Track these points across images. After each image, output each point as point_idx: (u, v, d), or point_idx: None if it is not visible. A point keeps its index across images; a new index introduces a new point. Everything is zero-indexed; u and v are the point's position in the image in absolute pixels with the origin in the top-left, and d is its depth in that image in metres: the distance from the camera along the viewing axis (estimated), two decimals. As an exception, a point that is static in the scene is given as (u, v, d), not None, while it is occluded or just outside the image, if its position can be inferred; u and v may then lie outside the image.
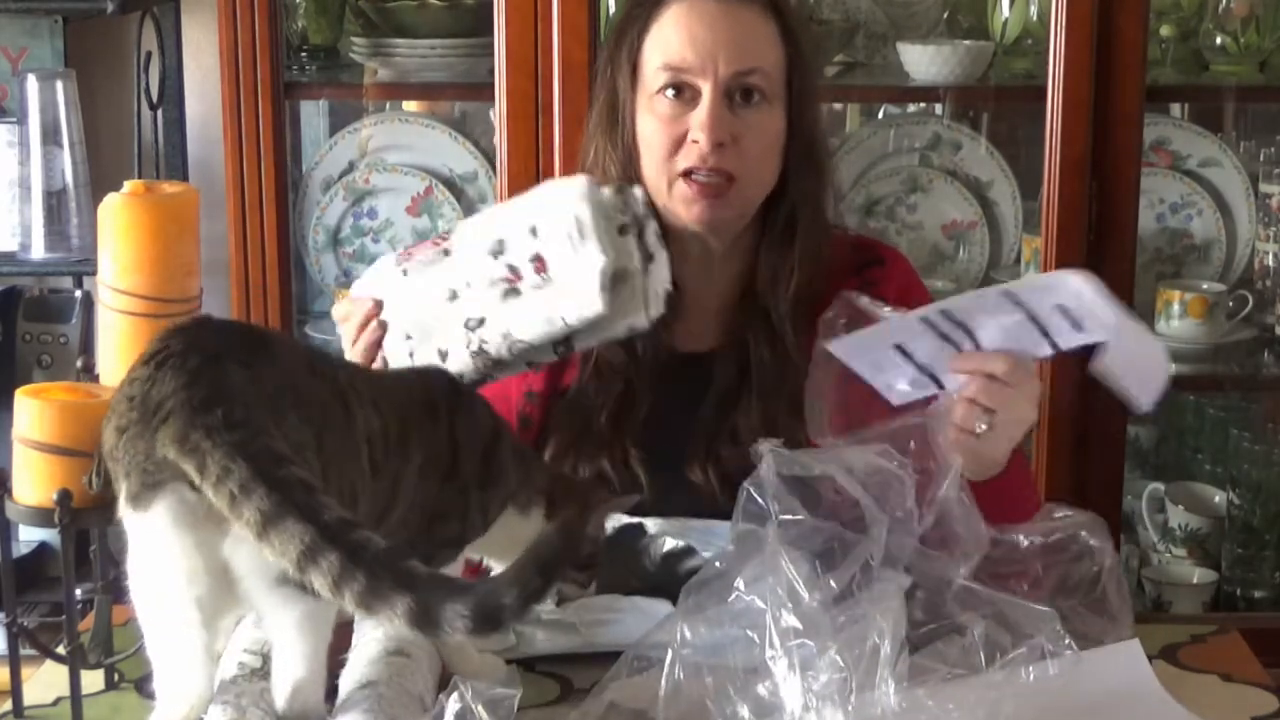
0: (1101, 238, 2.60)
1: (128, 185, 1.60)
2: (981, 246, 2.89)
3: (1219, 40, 2.78)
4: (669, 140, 1.80)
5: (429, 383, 1.58)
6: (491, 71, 2.61)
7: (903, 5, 2.89)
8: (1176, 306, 2.77)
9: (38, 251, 2.81)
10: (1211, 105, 2.95)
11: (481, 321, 1.68)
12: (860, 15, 2.86)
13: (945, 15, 2.92)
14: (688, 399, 1.83)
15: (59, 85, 2.78)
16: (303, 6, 2.84)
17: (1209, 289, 2.80)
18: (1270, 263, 2.86)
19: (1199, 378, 2.85)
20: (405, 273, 1.73)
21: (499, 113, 2.60)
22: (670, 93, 1.80)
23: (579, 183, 1.69)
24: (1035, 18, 2.76)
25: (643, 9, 1.84)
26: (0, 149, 2.84)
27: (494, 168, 2.73)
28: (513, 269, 1.67)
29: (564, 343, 1.68)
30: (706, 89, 1.79)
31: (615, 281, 1.65)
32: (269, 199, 2.67)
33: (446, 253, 1.72)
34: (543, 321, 1.66)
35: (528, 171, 2.59)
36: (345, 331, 1.77)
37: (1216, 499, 2.90)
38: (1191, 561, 2.86)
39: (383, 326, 1.73)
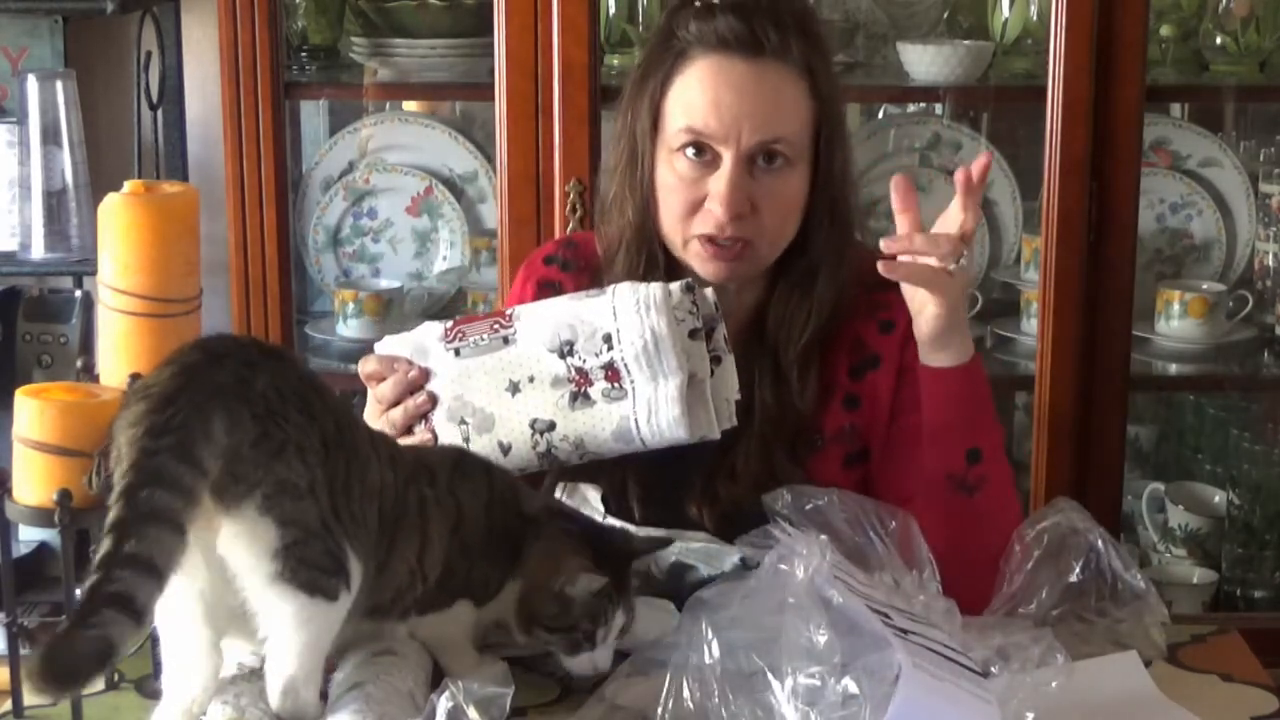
0: (1101, 238, 2.60)
1: (128, 185, 1.60)
2: (981, 246, 2.88)
3: (1219, 40, 2.78)
4: (686, 202, 1.77)
5: (435, 453, 1.59)
6: (491, 71, 2.61)
7: (903, 5, 2.89)
8: (1176, 306, 2.77)
9: (38, 251, 2.81)
10: (1211, 105, 2.95)
11: (551, 425, 1.65)
12: (860, 15, 2.87)
13: (945, 15, 2.92)
14: None
15: (59, 85, 2.78)
16: (303, 6, 2.84)
17: (1209, 289, 2.80)
18: (1270, 263, 2.86)
19: (1199, 378, 2.86)
20: (458, 353, 1.68)
21: (499, 113, 2.60)
22: (691, 152, 1.76)
23: (656, 293, 1.64)
24: (1035, 18, 2.76)
25: (667, 56, 1.78)
26: (0, 149, 2.84)
27: (494, 168, 2.73)
28: (581, 373, 1.64)
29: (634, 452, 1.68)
30: (728, 156, 1.74)
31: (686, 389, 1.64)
32: (269, 199, 2.67)
33: (506, 340, 1.66)
34: (618, 439, 1.65)
35: (528, 172, 2.60)
36: (379, 391, 1.70)
37: (1216, 499, 2.90)
38: (1191, 561, 2.86)
39: (431, 399, 1.68)
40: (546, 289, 1.90)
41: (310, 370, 1.47)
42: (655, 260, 1.82)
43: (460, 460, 1.57)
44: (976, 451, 1.74)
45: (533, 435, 1.66)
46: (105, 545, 1.26)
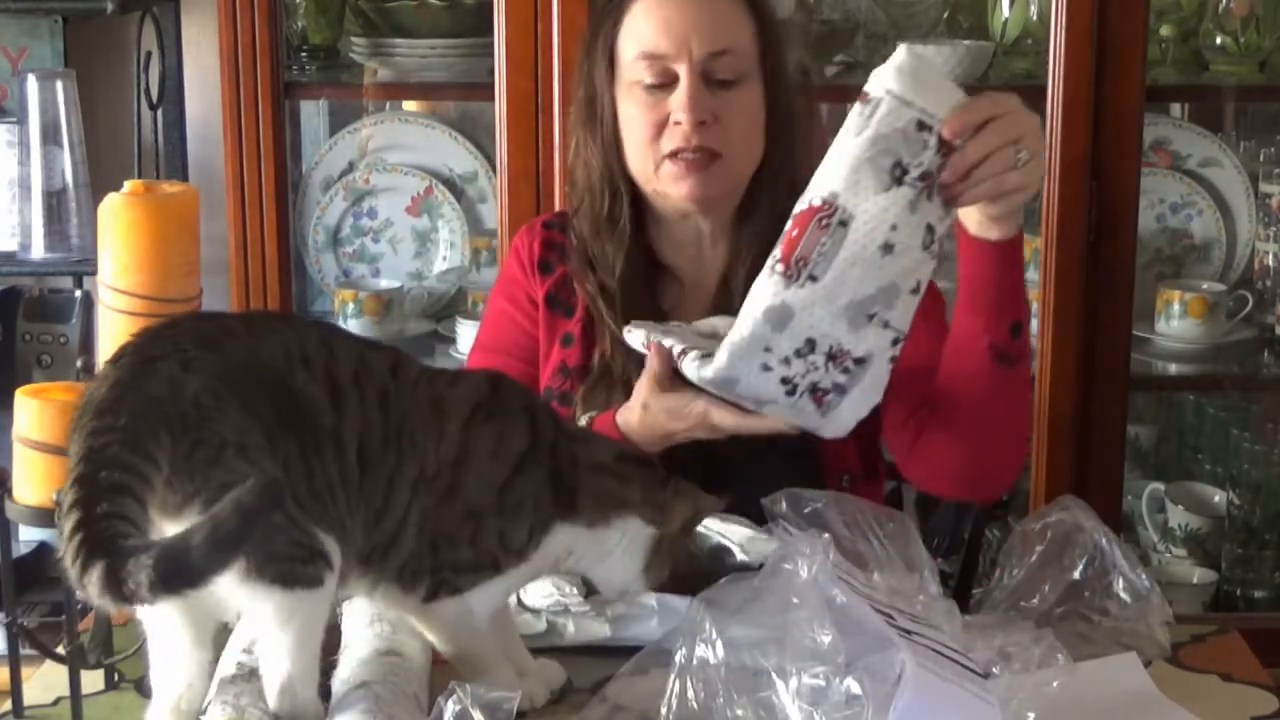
0: (1101, 238, 2.60)
1: (128, 185, 1.60)
2: (982, 246, 2.88)
3: (1219, 40, 2.78)
4: (651, 125, 1.84)
5: (459, 390, 1.48)
6: (491, 71, 2.61)
7: (903, 5, 2.89)
8: (1176, 306, 2.77)
9: (38, 251, 2.81)
10: (1211, 105, 2.95)
11: (931, 231, 1.56)
12: (860, 15, 2.86)
13: (945, 15, 2.92)
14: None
15: (59, 85, 2.79)
16: (303, 6, 2.84)
17: (1209, 289, 2.80)
18: (1270, 263, 2.86)
19: (1199, 378, 2.86)
20: (814, 278, 1.55)
21: (499, 113, 2.60)
22: (649, 80, 1.84)
23: (911, 51, 1.55)
24: (1035, 18, 2.76)
25: (612, 6, 1.89)
26: (0, 149, 2.84)
27: (494, 168, 2.73)
28: (925, 175, 1.54)
29: None
30: (683, 71, 1.83)
31: None
32: (269, 199, 2.67)
33: (844, 223, 1.54)
34: None
35: (528, 171, 2.60)
36: None
37: (1216, 499, 2.90)
38: (1191, 561, 2.87)
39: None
40: (550, 250, 1.97)
41: (271, 336, 1.39)
42: (619, 198, 1.89)
43: (488, 401, 1.47)
44: (1019, 325, 1.74)
45: (929, 249, 1.57)
46: (73, 517, 1.23)
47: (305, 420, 1.36)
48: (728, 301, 1.84)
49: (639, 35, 1.85)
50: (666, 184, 1.85)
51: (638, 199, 1.90)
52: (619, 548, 1.50)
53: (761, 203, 1.89)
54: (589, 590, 1.63)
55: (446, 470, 1.44)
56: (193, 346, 1.35)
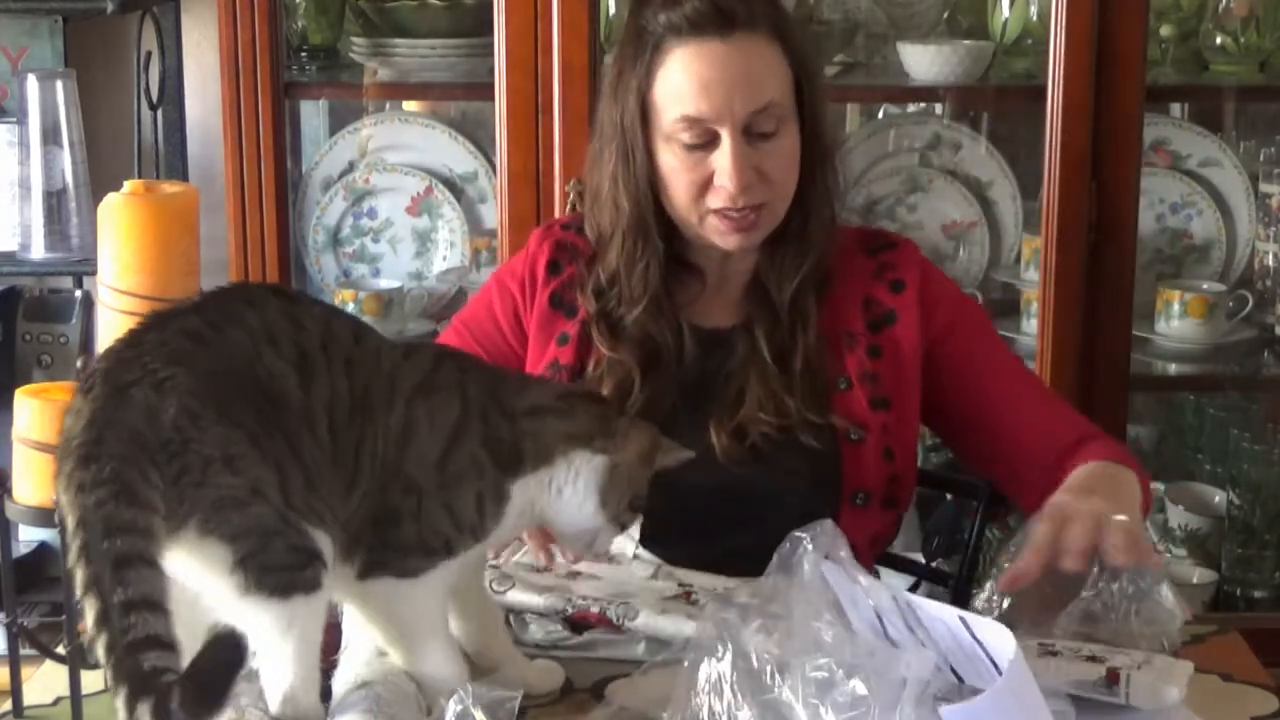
0: (1101, 238, 2.60)
1: (128, 185, 1.60)
2: (981, 246, 2.89)
3: (1219, 40, 2.78)
4: (695, 184, 1.82)
5: (408, 365, 1.46)
6: (491, 71, 2.61)
7: (903, 5, 2.89)
8: (1176, 306, 2.77)
9: (38, 251, 2.81)
10: (1211, 105, 2.95)
11: None
12: (860, 15, 2.86)
13: (945, 15, 2.92)
14: (713, 369, 1.88)
15: (59, 85, 2.79)
16: (303, 6, 2.84)
17: (1209, 289, 2.80)
18: (1270, 263, 2.86)
19: (1199, 378, 2.86)
20: None
21: (499, 113, 2.60)
22: (688, 137, 1.80)
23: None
24: (1035, 18, 2.76)
25: (643, 51, 1.82)
26: (0, 149, 2.84)
27: (494, 168, 2.73)
28: None
29: None
30: (726, 133, 1.79)
31: None
32: (269, 199, 2.67)
33: None
34: None
35: (528, 171, 2.60)
36: None
37: (1216, 499, 2.90)
38: (1191, 561, 2.86)
39: None
40: (562, 251, 1.94)
41: (233, 326, 1.36)
42: (652, 243, 1.86)
43: (429, 377, 1.46)
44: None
45: None
46: (93, 605, 1.23)
47: (281, 410, 1.34)
48: (756, 303, 1.89)
49: (678, 95, 1.79)
50: (711, 235, 1.84)
51: (669, 237, 1.87)
52: (569, 484, 1.49)
53: (790, 224, 1.87)
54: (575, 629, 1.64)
55: (392, 446, 1.42)
56: (162, 365, 1.32)
